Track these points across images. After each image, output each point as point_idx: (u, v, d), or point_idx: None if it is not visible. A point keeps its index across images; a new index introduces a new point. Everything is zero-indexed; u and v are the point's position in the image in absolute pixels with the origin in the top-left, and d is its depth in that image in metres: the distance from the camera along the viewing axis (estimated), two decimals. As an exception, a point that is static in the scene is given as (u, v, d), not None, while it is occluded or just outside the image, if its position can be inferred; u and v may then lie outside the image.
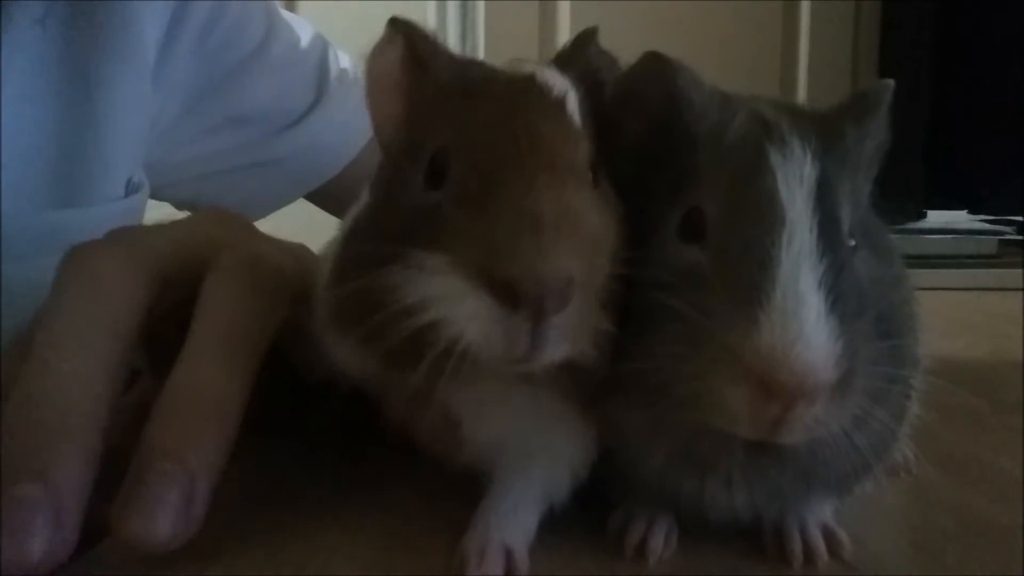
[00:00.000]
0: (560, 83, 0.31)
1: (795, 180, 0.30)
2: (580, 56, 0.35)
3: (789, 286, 0.27)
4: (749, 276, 0.28)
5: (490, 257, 0.26)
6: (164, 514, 0.29)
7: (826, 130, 0.32)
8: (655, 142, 0.33)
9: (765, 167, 0.30)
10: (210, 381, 0.33)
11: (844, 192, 0.31)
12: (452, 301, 0.27)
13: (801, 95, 1.71)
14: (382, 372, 0.31)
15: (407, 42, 0.33)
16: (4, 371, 0.34)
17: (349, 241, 0.33)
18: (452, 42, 1.84)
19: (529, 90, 0.31)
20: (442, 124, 0.31)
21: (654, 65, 0.33)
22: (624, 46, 0.36)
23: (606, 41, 0.36)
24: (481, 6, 1.70)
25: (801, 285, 0.27)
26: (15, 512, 0.28)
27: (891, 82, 0.34)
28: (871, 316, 0.30)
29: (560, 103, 0.31)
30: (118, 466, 0.31)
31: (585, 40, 0.35)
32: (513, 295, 0.26)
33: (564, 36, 1.62)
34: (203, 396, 0.32)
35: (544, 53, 0.37)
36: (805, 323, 0.27)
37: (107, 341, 0.32)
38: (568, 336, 0.27)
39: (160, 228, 0.39)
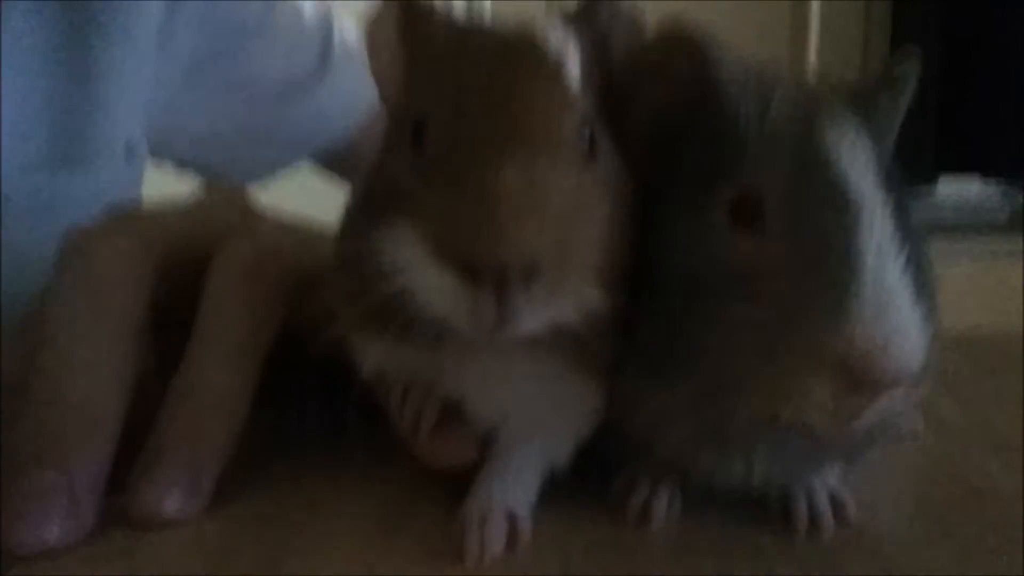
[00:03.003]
0: (559, 42, 0.30)
1: (860, 162, 0.28)
2: (593, 12, 0.33)
3: (878, 277, 0.26)
4: (833, 268, 0.26)
5: (451, 233, 0.25)
6: (174, 492, 0.32)
7: (865, 104, 0.30)
8: (680, 121, 0.31)
9: (824, 148, 0.28)
10: (217, 379, 0.34)
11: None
12: (418, 272, 0.26)
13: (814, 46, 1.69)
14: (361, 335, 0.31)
15: (403, 5, 0.32)
16: (10, 358, 0.35)
17: (347, 206, 0.33)
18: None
19: (520, 50, 0.29)
20: (431, 88, 0.30)
21: (677, 38, 0.31)
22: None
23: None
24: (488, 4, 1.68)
25: (889, 275, 0.27)
26: (34, 498, 0.29)
27: (918, 52, 0.33)
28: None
29: (554, 65, 0.29)
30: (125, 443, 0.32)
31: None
32: (475, 272, 0.25)
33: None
34: (211, 393, 0.33)
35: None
36: (899, 315, 0.26)
37: (117, 332, 0.33)
38: (541, 308, 0.26)
39: (164, 211, 0.39)
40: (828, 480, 0.33)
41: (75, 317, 0.33)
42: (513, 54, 0.29)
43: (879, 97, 0.31)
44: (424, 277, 0.26)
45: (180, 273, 0.36)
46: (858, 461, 0.34)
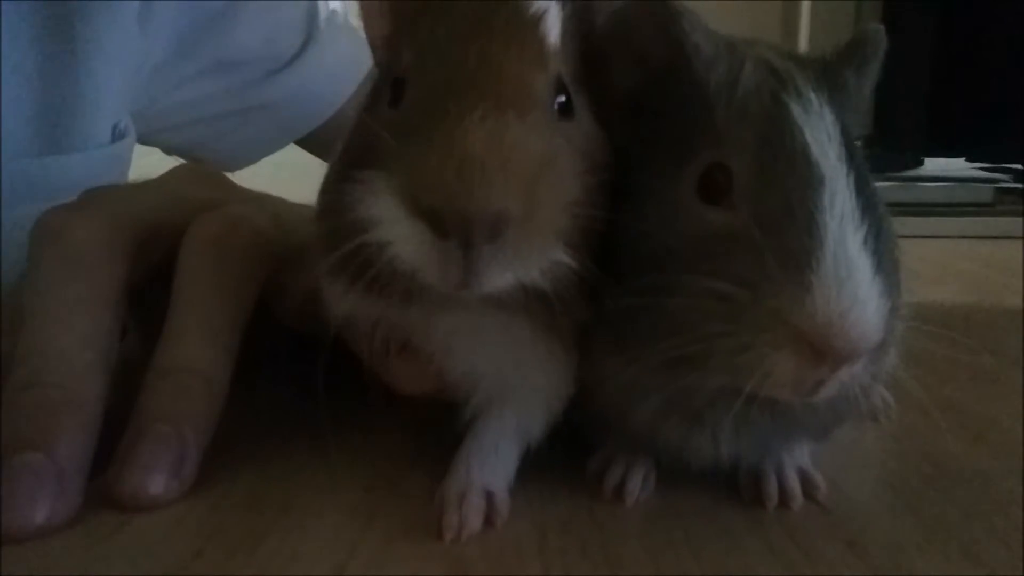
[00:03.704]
0: (539, 4, 0.30)
1: (823, 135, 0.29)
2: None
3: (839, 250, 0.27)
4: (795, 240, 0.27)
5: (420, 186, 0.26)
6: (158, 473, 0.32)
7: (830, 78, 0.31)
8: (652, 90, 0.31)
9: (790, 122, 0.29)
10: (195, 358, 0.34)
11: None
12: (389, 223, 0.27)
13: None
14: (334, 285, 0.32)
15: None
16: None
17: (334, 158, 0.34)
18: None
19: (498, 11, 0.30)
20: (411, 44, 0.30)
21: (650, 7, 0.31)
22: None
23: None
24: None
25: (850, 248, 0.27)
26: (20, 480, 0.30)
27: (882, 27, 0.34)
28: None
29: (530, 26, 0.29)
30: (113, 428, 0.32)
31: None
32: (442, 223, 0.26)
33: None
34: (191, 370, 0.34)
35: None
36: (859, 287, 0.27)
37: (94, 313, 0.33)
38: (507, 265, 0.26)
39: (133, 189, 0.39)
40: (797, 457, 0.34)
41: (52, 299, 0.33)
42: (490, 14, 0.29)
43: (845, 71, 0.32)
44: (395, 228, 0.27)
45: (156, 250, 0.36)
46: (827, 438, 0.35)
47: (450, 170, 0.25)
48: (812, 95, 0.29)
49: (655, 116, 0.31)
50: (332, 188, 0.31)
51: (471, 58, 0.28)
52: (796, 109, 0.29)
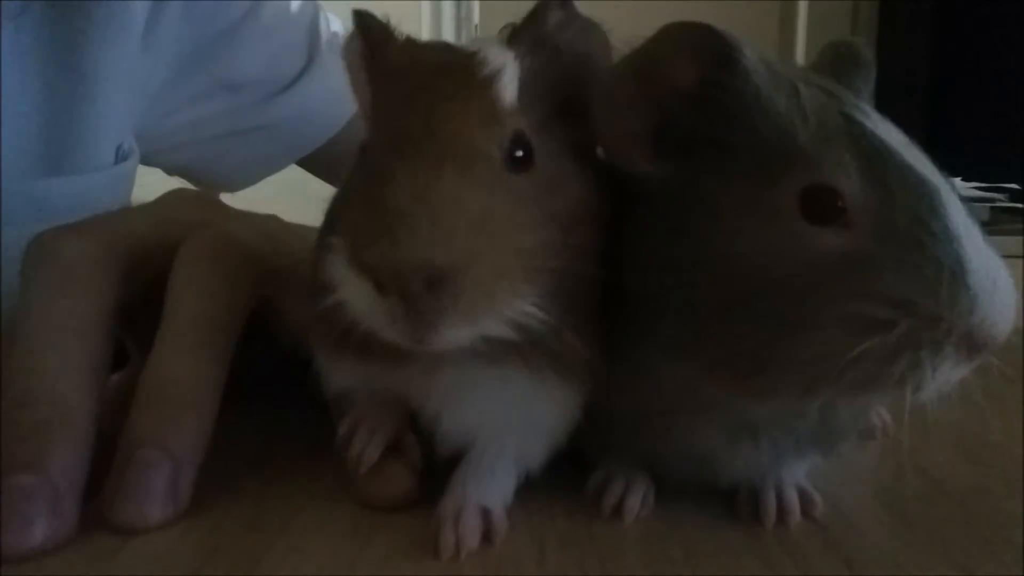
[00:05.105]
0: (496, 60, 0.30)
1: (909, 147, 0.29)
2: (537, 25, 0.32)
3: (979, 251, 0.27)
4: (940, 251, 0.27)
5: (358, 244, 0.27)
6: (152, 500, 0.31)
7: (852, 91, 0.31)
8: (700, 120, 0.30)
9: (875, 136, 0.29)
10: (183, 370, 0.34)
11: None
12: (344, 284, 0.28)
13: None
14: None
15: (362, 33, 0.34)
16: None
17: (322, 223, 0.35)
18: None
19: (445, 72, 0.30)
20: (373, 107, 0.32)
21: (693, 38, 0.30)
22: (620, 44, 0.33)
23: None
24: (476, 7, 1.69)
25: (982, 248, 0.28)
26: (14, 501, 0.29)
27: (862, 41, 0.35)
28: None
29: (482, 82, 0.30)
30: (113, 448, 0.32)
31: (546, 7, 0.32)
32: (378, 279, 0.26)
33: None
34: (178, 385, 0.33)
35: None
36: (1005, 283, 0.28)
37: (83, 332, 0.33)
38: (460, 319, 0.27)
39: (126, 212, 0.40)
40: (796, 474, 0.34)
41: (40, 317, 0.33)
42: (440, 77, 0.30)
43: (858, 83, 0.32)
44: (348, 288, 0.28)
45: (147, 269, 0.36)
46: (834, 453, 0.35)
47: (380, 226, 0.26)
48: (869, 110, 0.30)
49: (705, 144, 0.30)
50: (315, 259, 0.32)
51: (415, 119, 0.29)
52: (868, 123, 0.29)
